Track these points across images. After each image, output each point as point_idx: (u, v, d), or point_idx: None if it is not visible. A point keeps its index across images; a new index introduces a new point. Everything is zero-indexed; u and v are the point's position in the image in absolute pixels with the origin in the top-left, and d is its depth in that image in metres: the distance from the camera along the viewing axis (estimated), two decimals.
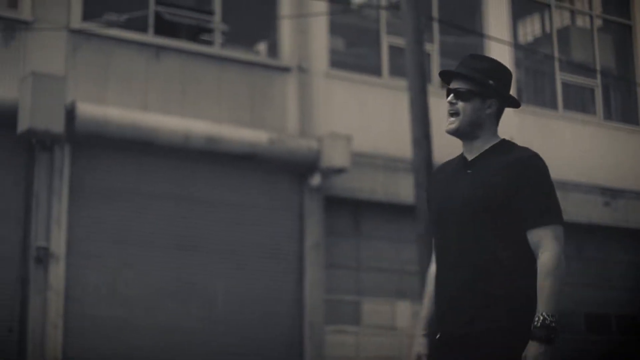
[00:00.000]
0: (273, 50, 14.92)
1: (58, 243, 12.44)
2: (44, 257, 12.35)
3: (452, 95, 4.18)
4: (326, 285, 14.48)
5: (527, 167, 4.02)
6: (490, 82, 4.14)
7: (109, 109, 12.80)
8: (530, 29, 18.56)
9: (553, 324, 3.82)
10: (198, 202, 13.48)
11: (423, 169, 12.48)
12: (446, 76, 4.27)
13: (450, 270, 4.07)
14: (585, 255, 17.32)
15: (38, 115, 12.01)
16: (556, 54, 17.81)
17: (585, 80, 18.18)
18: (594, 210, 17.32)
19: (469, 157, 4.20)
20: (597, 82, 18.26)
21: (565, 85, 17.89)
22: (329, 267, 14.60)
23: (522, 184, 3.99)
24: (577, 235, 16.74)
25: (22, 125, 12.10)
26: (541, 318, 3.82)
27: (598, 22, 18.77)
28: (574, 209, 16.34)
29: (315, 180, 14.20)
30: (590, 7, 18.63)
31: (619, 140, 18.09)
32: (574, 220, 16.21)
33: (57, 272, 12.40)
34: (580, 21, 18.80)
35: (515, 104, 4.28)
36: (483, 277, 3.96)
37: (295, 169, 14.18)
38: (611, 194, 17.60)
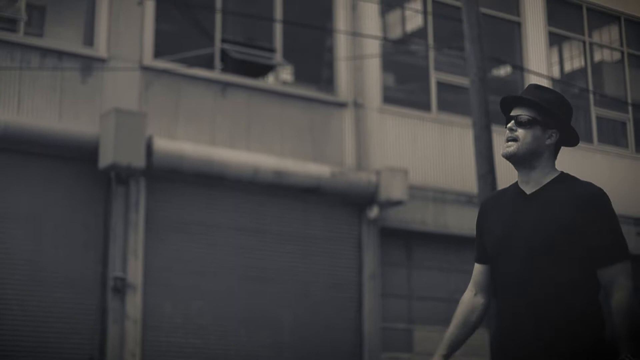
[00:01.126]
0: (330, 86, 15.41)
1: (135, 273, 12.85)
2: (121, 287, 12.75)
3: (512, 122, 4.12)
4: (382, 313, 14.95)
5: (595, 203, 3.95)
6: (555, 111, 4.09)
7: (183, 144, 13.26)
8: (548, 61, 19.14)
9: None
10: (266, 233, 13.94)
11: None
12: (507, 104, 4.22)
13: (515, 305, 4.00)
14: None
15: (121, 151, 12.45)
16: (591, 88, 18.43)
17: (617, 114, 18.80)
18: (628, 240, 17.82)
19: (528, 190, 4.12)
20: (628, 116, 18.88)
21: (599, 119, 18.50)
22: (384, 296, 15.07)
23: (591, 220, 3.92)
24: None
25: (105, 160, 12.53)
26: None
27: (620, 57, 19.39)
28: None
29: (373, 212, 14.69)
30: (622, 44, 19.25)
31: None
32: None
33: (135, 302, 12.81)
34: (598, 55, 19.37)
35: (574, 140, 4.23)
36: (550, 312, 3.89)
37: (354, 202, 14.67)
38: None
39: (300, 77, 15.42)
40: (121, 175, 12.86)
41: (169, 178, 13.30)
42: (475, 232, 4.36)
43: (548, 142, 4.10)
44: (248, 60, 14.59)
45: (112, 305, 12.74)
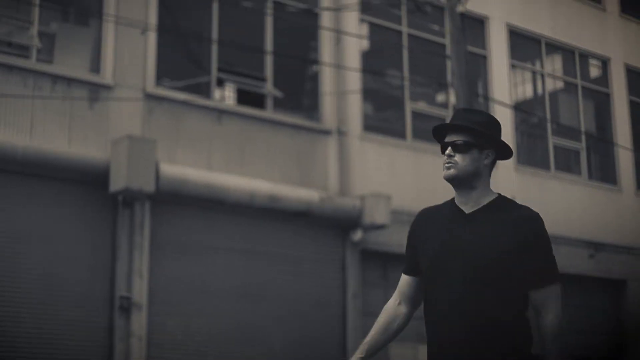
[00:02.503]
0: (316, 114, 16.21)
1: (140, 293, 13.44)
2: (127, 306, 13.33)
3: (449, 148, 4.18)
4: (363, 331, 15.77)
5: (533, 228, 4.06)
6: (489, 132, 4.18)
7: (186, 169, 13.90)
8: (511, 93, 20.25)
9: None
10: (261, 255, 14.67)
11: None
12: (440, 131, 4.31)
13: (447, 325, 4.08)
14: (573, 303, 18.99)
15: (133, 176, 13.05)
16: (549, 118, 19.58)
17: (572, 143, 19.98)
18: (581, 262, 19.06)
19: (466, 210, 4.19)
20: (582, 145, 20.08)
21: (556, 148, 19.66)
22: (365, 314, 15.89)
23: (528, 245, 4.03)
24: (566, 285, 18.38)
25: (117, 184, 13.10)
26: None
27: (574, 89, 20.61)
28: (563, 260, 18.03)
29: (357, 235, 15.53)
30: (577, 76, 20.46)
31: (600, 199, 19.93)
32: (564, 271, 17.84)
33: (140, 320, 13.39)
34: (552, 86, 20.55)
35: (508, 154, 4.32)
36: (483, 336, 3.98)
37: (339, 225, 15.49)
38: (595, 247, 19.38)
39: (289, 105, 16.16)
40: (127, 199, 13.44)
41: (172, 201, 13.93)
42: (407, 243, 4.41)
43: (486, 162, 4.20)
44: (243, 89, 15.31)
45: (119, 323, 13.31)
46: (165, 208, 13.93)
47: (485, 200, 4.18)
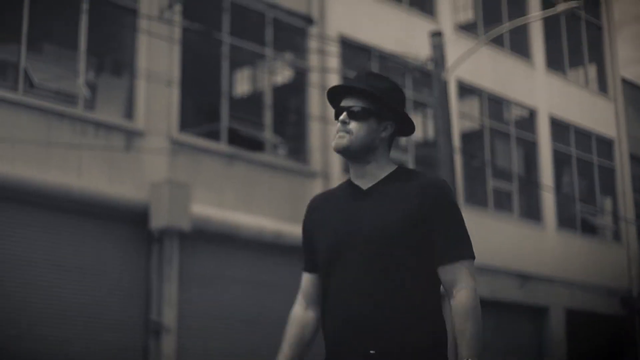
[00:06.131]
0: (304, 158, 18.24)
1: (169, 318, 15.19)
2: (158, 330, 15.06)
3: (345, 114, 3.70)
4: None
5: (438, 197, 3.61)
6: (390, 102, 3.72)
7: (208, 209, 15.74)
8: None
9: None
10: (267, 285, 16.60)
11: None
12: (337, 93, 3.81)
13: (352, 309, 3.60)
14: (504, 327, 21.57)
15: (173, 216, 14.83)
16: (489, 161, 22.14)
17: (505, 185, 22.60)
18: (513, 291, 21.66)
19: (364, 185, 3.74)
20: (514, 187, 22.72)
21: (493, 189, 22.24)
22: None
23: (434, 216, 3.59)
24: (499, 311, 21.01)
25: (158, 223, 14.84)
26: None
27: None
28: (498, 289, 20.66)
29: None
30: (510, 125, 23.11)
31: (528, 234, 22.60)
32: (499, 298, 20.54)
33: (170, 343, 15.15)
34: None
35: (410, 129, 3.84)
36: (391, 318, 3.54)
37: None
38: (523, 278, 22.01)
39: (283, 150, 18.17)
40: (159, 235, 15.16)
41: (196, 238, 15.72)
42: (303, 239, 3.97)
43: (383, 134, 3.73)
44: (248, 135, 17.23)
45: (152, 345, 15.04)
46: (191, 243, 15.71)
47: (384, 173, 3.74)
